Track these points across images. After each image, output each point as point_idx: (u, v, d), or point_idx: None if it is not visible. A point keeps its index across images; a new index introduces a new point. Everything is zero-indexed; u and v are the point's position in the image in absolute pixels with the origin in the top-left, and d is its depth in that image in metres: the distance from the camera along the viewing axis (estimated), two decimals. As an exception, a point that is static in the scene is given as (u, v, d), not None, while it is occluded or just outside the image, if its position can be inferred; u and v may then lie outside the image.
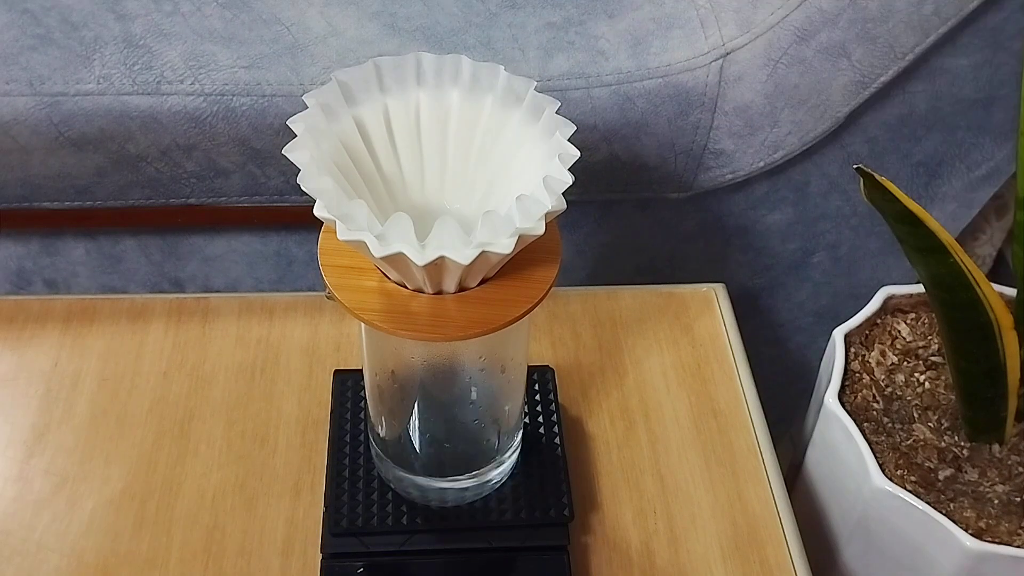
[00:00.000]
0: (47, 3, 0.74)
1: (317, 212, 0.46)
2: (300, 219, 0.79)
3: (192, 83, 0.71)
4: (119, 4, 0.75)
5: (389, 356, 0.55)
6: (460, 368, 0.56)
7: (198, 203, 0.77)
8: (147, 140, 0.73)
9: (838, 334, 0.74)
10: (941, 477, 0.70)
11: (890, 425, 0.72)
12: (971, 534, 0.64)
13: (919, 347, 0.76)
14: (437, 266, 0.45)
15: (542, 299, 0.48)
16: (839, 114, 0.79)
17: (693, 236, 0.85)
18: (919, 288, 0.76)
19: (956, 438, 0.72)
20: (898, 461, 0.70)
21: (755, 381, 0.71)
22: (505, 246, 0.45)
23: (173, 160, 0.74)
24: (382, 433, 0.59)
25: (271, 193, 0.77)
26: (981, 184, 0.88)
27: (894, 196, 0.60)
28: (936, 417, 0.73)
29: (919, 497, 0.65)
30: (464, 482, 0.59)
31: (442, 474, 0.59)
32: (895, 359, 0.76)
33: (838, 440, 0.70)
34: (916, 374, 0.75)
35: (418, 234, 0.44)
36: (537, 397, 0.65)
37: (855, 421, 0.69)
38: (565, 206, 0.46)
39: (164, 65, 0.72)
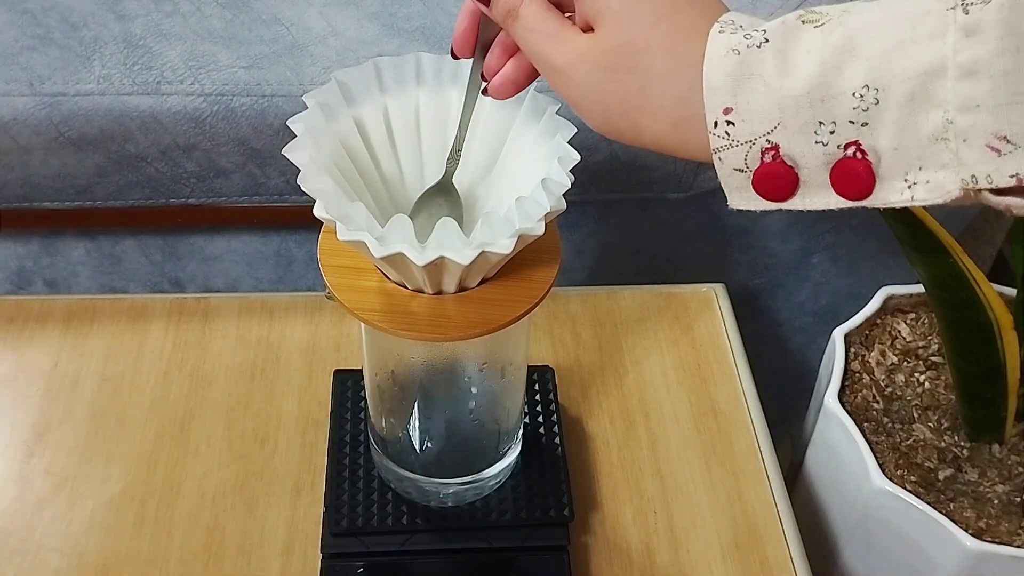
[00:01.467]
0: (47, 3, 0.74)
1: (317, 212, 0.46)
2: (300, 219, 0.79)
3: (192, 83, 0.71)
4: (119, 4, 0.75)
5: (389, 356, 0.55)
6: (460, 368, 0.56)
7: (198, 203, 0.77)
8: (147, 140, 0.73)
9: (838, 334, 0.74)
10: (941, 477, 0.70)
11: (890, 425, 0.72)
12: (971, 534, 0.64)
13: (919, 347, 0.76)
14: (437, 266, 0.45)
15: (542, 299, 0.48)
16: (839, 114, 0.78)
17: (693, 236, 0.85)
18: (919, 288, 0.76)
19: (956, 438, 0.72)
20: (898, 461, 0.70)
21: (755, 381, 0.71)
22: (505, 246, 0.45)
23: (173, 160, 0.74)
24: (382, 433, 0.59)
25: (271, 193, 0.77)
26: (981, 184, 0.88)
27: (894, 196, 0.59)
28: (936, 417, 0.73)
29: (919, 497, 0.65)
30: (464, 482, 0.59)
31: (442, 474, 0.59)
32: (895, 359, 0.75)
33: (838, 440, 0.70)
34: (916, 374, 0.75)
35: (418, 234, 0.44)
36: (537, 397, 0.65)
37: (855, 421, 0.69)
38: (564, 207, 0.46)
39: (164, 65, 0.72)
